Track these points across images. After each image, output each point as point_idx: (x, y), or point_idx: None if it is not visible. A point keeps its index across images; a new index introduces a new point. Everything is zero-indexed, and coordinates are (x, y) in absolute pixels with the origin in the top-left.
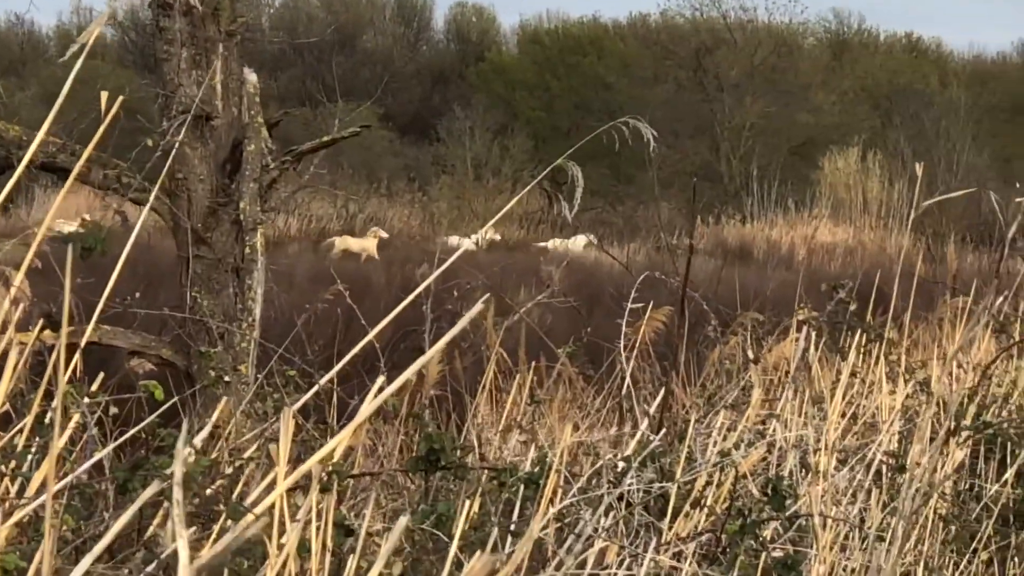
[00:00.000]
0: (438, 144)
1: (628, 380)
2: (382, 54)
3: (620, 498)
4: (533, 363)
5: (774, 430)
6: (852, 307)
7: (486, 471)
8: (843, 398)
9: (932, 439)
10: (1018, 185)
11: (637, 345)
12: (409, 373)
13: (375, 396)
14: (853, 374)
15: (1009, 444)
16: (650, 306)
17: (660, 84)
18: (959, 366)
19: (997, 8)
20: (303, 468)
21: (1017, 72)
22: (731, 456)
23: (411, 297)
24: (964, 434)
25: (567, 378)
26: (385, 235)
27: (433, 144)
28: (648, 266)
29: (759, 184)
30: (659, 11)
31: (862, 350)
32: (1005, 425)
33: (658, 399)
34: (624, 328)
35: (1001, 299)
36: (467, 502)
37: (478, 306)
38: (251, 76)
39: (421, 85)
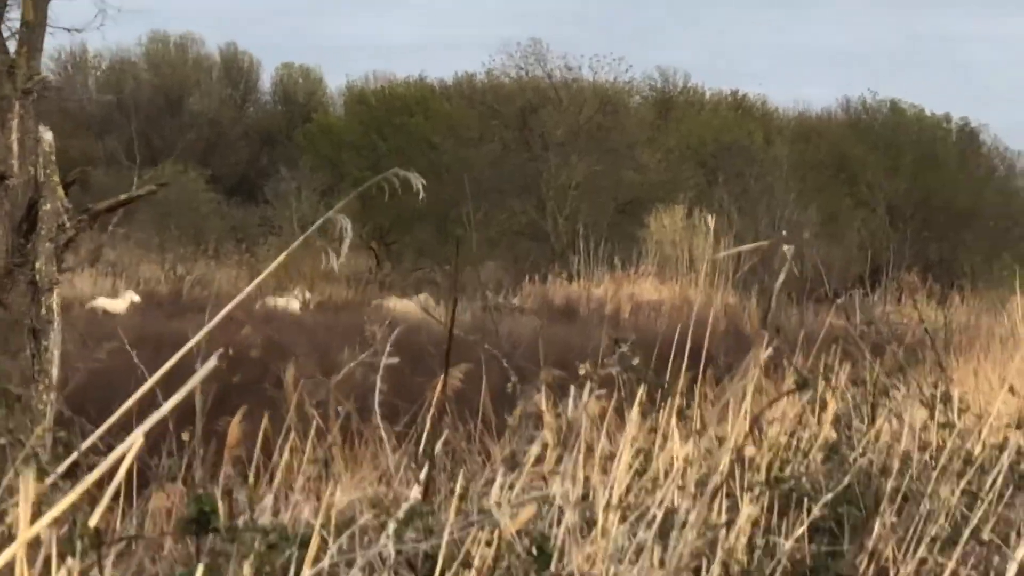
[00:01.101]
0: (265, 205)
1: (388, 440)
2: (209, 115)
3: (387, 558)
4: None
5: (551, 487)
6: (635, 361)
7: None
8: (630, 452)
9: (728, 494)
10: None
11: (435, 403)
12: (140, 431)
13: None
14: (652, 429)
15: (806, 499)
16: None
17: (486, 143)
18: (755, 420)
19: (821, 66)
20: (34, 528)
21: (841, 129)
22: (493, 513)
23: (181, 353)
24: (756, 489)
25: (377, 436)
26: (137, 298)
27: (260, 205)
28: (471, 325)
29: (585, 242)
30: (484, 71)
31: (658, 405)
32: (803, 479)
33: (427, 460)
34: (379, 384)
35: (769, 351)
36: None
37: (211, 362)
38: (47, 134)
39: (249, 146)
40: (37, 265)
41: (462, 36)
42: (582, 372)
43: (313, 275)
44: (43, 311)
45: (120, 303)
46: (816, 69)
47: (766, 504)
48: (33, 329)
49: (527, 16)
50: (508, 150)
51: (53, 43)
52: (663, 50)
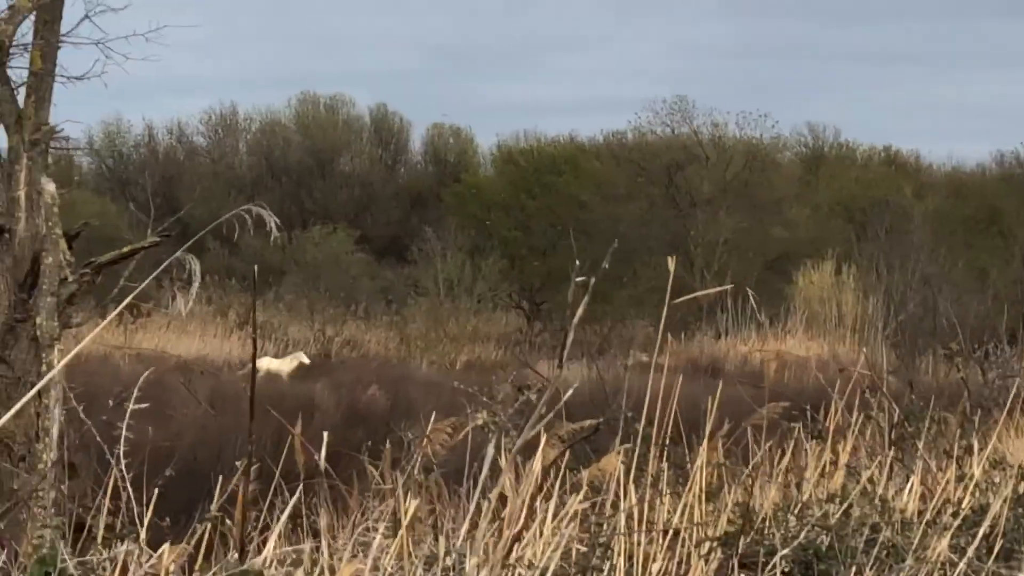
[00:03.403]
0: (413, 265)
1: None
2: (360, 177)
3: None
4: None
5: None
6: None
7: None
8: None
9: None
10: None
11: (421, 456)
12: None
13: None
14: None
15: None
16: (432, 416)
17: (633, 201)
18: (768, 479)
19: (975, 121)
20: None
21: (995, 183)
22: None
23: None
24: (706, 546)
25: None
26: (307, 360)
27: (409, 266)
28: (612, 383)
29: (733, 299)
30: (632, 128)
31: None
32: (773, 536)
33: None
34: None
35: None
36: None
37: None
38: (49, 186)
39: (399, 207)
40: (38, 320)
41: (613, 96)
42: (480, 422)
43: (461, 335)
44: (44, 368)
45: (286, 364)
46: (972, 125)
47: (735, 560)
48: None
49: (676, 75)
50: (655, 207)
51: (202, 104)
52: (813, 108)
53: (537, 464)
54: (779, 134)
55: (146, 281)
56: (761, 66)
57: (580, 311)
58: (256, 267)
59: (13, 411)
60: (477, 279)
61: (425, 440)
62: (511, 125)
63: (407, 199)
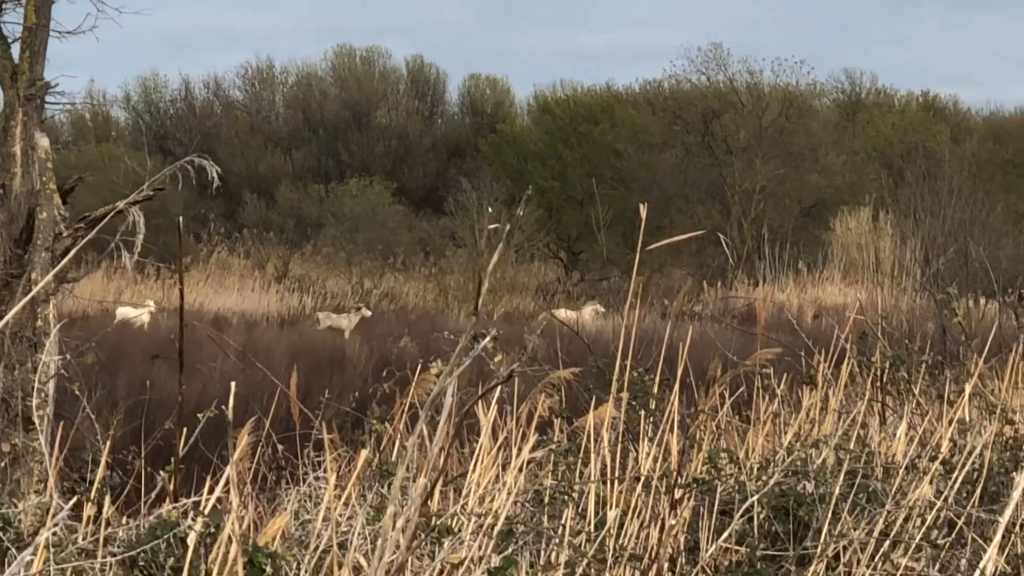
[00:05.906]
0: (449, 217)
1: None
2: (396, 129)
3: None
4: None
5: None
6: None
7: None
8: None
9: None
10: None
11: (405, 409)
12: None
13: None
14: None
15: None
16: (419, 367)
17: (669, 149)
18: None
19: (1016, 64)
20: None
21: None
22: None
23: None
24: (678, 492)
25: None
26: (368, 312)
27: (446, 217)
28: (648, 331)
29: (770, 247)
30: (667, 76)
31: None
32: (743, 481)
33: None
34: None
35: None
36: None
37: None
38: (43, 141)
39: (436, 158)
40: (33, 275)
41: (648, 44)
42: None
43: (499, 286)
44: (39, 323)
45: (344, 320)
46: (1012, 68)
47: (711, 506)
48: (34, 342)
49: (715, 23)
50: (691, 155)
51: (239, 59)
52: (850, 55)
53: (480, 411)
54: (815, 80)
55: (79, 247)
56: (798, 12)
57: (495, 259)
58: (180, 218)
59: None
60: (514, 230)
61: (411, 390)
62: (547, 75)
63: (444, 150)
